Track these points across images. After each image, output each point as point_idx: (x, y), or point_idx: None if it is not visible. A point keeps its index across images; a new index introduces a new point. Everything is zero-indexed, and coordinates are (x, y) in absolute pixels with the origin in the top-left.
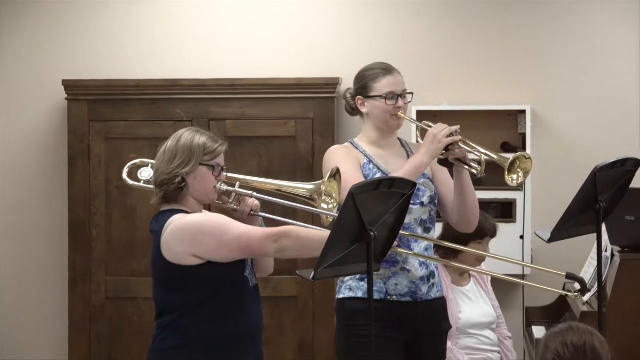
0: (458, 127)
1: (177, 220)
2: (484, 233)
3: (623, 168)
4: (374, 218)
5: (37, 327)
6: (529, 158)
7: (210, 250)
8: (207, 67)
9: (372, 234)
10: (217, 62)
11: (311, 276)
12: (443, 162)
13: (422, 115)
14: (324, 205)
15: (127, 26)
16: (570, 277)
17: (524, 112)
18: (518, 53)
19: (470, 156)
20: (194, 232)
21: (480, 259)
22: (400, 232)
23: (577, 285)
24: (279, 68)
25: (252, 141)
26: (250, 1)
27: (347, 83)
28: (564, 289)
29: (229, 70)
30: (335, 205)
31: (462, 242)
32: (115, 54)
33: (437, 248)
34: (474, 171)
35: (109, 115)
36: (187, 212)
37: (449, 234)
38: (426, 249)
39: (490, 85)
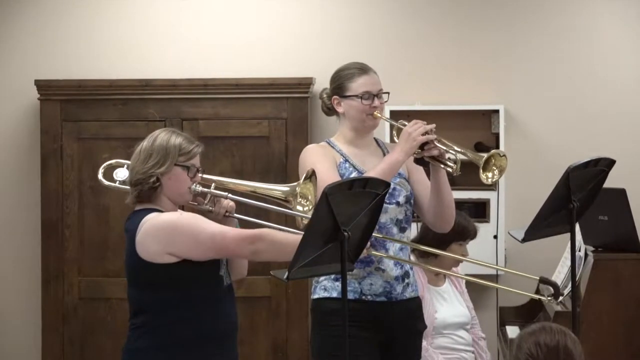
0: (433, 125)
1: (152, 219)
2: (466, 235)
3: (596, 168)
4: (347, 218)
5: (10, 327)
6: (504, 155)
7: (186, 249)
8: (179, 67)
9: (345, 234)
10: (189, 62)
11: (285, 276)
12: (419, 160)
13: (395, 115)
14: (299, 207)
15: (99, 26)
16: (544, 281)
17: (497, 111)
18: (491, 53)
19: (445, 155)
20: (169, 231)
21: (459, 260)
22: (376, 233)
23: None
24: (251, 68)
25: (225, 141)
26: (223, 1)
27: (320, 83)
28: (537, 292)
29: (202, 70)
30: (310, 207)
31: (444, 243)
32: (87, 54)
33: (416, 249)
34: (449, 169)
35: (81, 115)
36: (161, 212)
37: (429, 235)
38: (401, 249)
39: (463, 85)
